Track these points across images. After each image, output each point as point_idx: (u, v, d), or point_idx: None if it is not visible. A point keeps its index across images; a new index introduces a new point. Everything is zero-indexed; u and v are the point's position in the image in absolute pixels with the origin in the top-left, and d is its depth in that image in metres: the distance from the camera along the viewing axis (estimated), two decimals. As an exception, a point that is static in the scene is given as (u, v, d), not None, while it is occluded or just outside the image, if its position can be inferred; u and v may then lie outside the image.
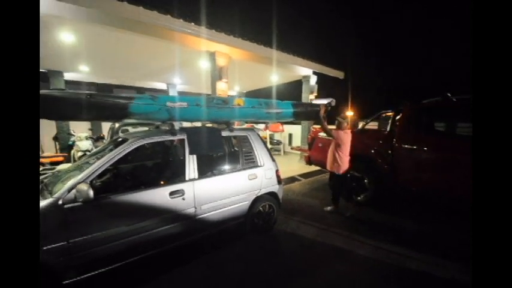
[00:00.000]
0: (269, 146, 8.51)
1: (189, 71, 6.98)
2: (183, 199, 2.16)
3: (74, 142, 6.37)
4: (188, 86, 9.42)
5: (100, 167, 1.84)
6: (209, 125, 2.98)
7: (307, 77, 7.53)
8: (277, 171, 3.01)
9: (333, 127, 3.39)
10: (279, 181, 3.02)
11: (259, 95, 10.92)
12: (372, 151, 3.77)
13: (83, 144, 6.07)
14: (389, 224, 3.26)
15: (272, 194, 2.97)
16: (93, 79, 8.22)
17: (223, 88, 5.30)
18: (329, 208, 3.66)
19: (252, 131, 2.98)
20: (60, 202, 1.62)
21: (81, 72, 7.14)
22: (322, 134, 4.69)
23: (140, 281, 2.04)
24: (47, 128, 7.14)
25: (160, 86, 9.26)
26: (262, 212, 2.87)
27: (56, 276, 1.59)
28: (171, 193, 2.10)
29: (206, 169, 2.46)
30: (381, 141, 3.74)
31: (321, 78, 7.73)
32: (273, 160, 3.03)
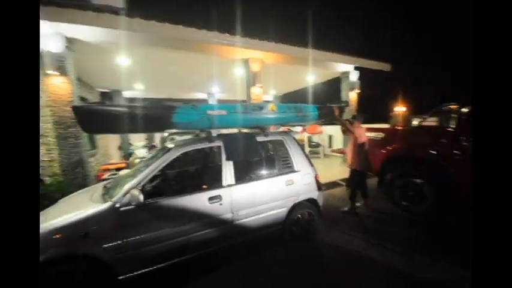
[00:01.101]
0: (308, 149, 8.17)
1: (226, 79, 7.30)
2: (221, 204, 2.21)
3: (133, 150, 7.34)
4: (225, 94, 9.87)
5: (149, 174, 2.02)
6: (246, 130, 3.02)
7: (346, 73, 7.01)
8: (316, 176, 2.83)
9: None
10: (319, 187, 2.83)
11: (295, 97, 10.66)
12: (434, 152, 3.19)
13: (140, 152, 6.94)
14: (444, 238, 2.76)
15: (311, 201, 2.80)
16: (146, 95, 9.37)
17: (257, 93, 5.35)
18: (360, 203, 3.61)
19: (288, 134, 2.88)
20: (117, 205, 1.84)
21: (136, 90, 8.24)
22: (368, 134, 4.25)
23: (180, 282, 2.15)
24: (113, 139, 8.45)
25: (202, 96, 9.96)
26: (301, 220, 2.72)
27: (113, 271, 1.80)
28: (210, 198, 2.17)
29: (242, 175, 2.47)
30: (444, 140, 3.15)
31: (363, 72, 7.08)
32: (311, 165, 2.86)
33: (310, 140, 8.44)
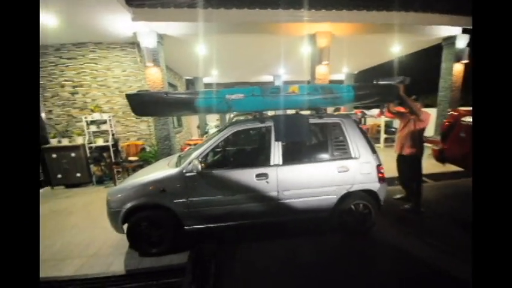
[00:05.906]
0: (384, 135, 7.02)
1: (292, 60, 7.06)
2: (267, 182, 2.33)
3: (208, 129, 8.55)
4: (291, 75, 9.62)
5: (207, 149, 2.37)
6: (306, 112, 2.92)
7: (450, 39, 5.32)
8: (378, 166, 2.47)
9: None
10: (381, 178, 2.48)
11: (376, 73, 9.13)
12: None
13: (213, 130, 7.99)
14: None
15: (369, 193, 2.50)
16: (220, 80, 10.40)
17: (323, 72, 4.94)
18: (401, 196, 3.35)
19: (347, 117, 2.60)
20: (184, 171, 2.28)
21: (212, 76, 9.27)
22: (469, 120, 3.24)
23: (231, 243, 2.49)
24: (194, 120, 10.03)
25: (268, 78, 10.11)
26: (355, 211, 2.50)
27: (180, 222, 2.30)
28: (257, 175, 2.33)
29: (291, 156, 2.48)
30: None
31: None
32: (374, 152, 2.51)
33: (388, 126, 7.18)
